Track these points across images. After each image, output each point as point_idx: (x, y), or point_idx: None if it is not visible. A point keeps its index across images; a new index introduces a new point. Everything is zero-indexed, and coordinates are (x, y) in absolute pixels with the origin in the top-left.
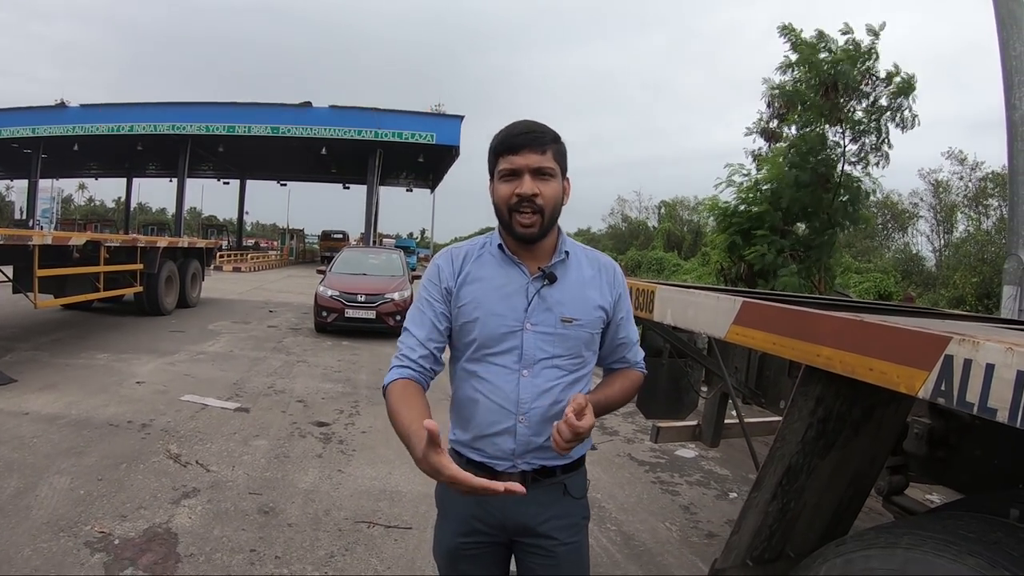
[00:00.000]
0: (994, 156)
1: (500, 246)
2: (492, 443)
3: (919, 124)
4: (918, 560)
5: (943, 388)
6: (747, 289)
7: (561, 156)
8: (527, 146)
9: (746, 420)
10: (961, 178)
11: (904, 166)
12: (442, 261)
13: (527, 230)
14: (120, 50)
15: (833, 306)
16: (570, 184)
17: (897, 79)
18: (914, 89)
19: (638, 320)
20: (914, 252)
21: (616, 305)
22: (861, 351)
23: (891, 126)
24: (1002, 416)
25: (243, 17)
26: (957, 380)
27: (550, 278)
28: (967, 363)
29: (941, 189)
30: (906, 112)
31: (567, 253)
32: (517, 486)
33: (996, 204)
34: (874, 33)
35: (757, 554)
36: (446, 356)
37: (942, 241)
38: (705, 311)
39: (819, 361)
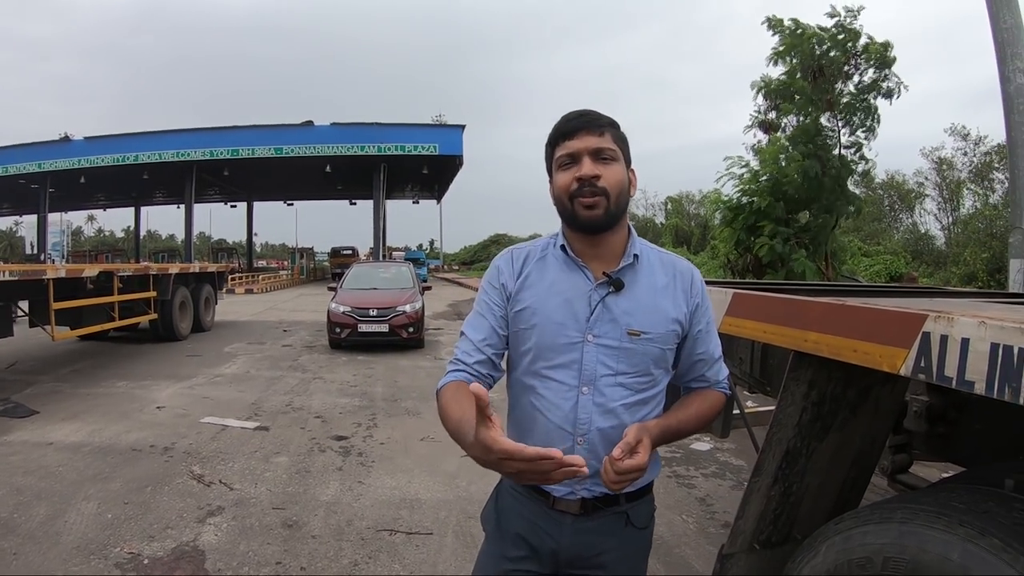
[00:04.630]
0: (997, 129)
1: (563, 247)
2: None
3: (906, 90)
4: (912, 532)
5: (923, 364)
6: (755, 280)
7: (621, 141)
8: (582, 129)
9: (757, 409)
10: (965, 153)
11: (907, 145)
12: (502, 262)
13: (591, 212)
14: (119, 81)
15: (819, 291)
16: (636, 175)
17: (873, 47)
18: (891, 57)
19: None
20: (923, 232)
21: (694, 316)
22: (845, 333)
23: (879, 100)
24: (979, 388)
25: (238, 38)
26: (936, 356)
27: (616, 285)
28: (943, 339)
29: (945, 166)
30: (890, 82)
31: (636, 256)
32: (578, 459)
33: (1001, 178)
34: (854, 14)
35: (764, 538)
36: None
37: (950, 219)
38: None
39: (807, 346)
